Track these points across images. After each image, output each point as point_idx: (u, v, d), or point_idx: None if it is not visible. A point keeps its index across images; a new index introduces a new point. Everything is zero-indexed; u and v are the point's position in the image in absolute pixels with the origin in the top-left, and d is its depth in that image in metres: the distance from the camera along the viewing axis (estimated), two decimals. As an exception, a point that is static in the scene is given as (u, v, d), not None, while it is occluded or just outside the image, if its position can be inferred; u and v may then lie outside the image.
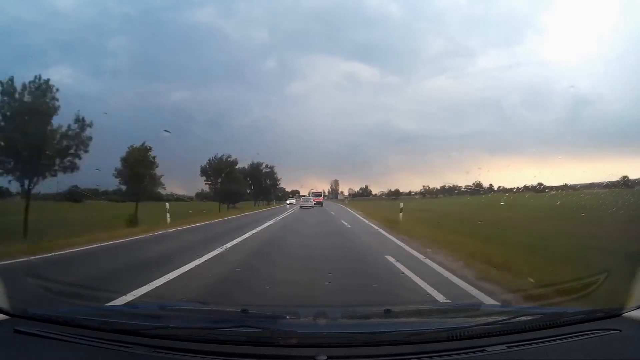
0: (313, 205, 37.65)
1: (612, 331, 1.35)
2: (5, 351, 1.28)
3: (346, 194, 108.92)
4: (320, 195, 45.94)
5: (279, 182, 58.19)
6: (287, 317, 1.91)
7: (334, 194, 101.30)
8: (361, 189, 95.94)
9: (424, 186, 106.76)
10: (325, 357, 1.16)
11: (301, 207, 35.79)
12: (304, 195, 49.68)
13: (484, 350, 1.23)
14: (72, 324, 1.43)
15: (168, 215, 14.20)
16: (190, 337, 1.32)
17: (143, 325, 1.44)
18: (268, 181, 55.54)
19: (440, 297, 3.85)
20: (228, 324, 1.53)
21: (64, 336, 1.33)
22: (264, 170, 53.20)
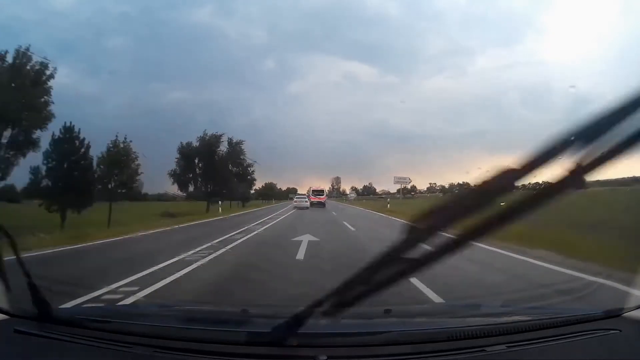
0: (309, 205, 32.68)
1: (612, 331, 1.35)
2: (5, 351, 1.28)
3: (348, 191, 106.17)
4: (322, 194, 38.91)
5: (252, 169, 37.45)
6: (287, 317, 1.90)
7: (335, 192, 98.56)
8: (364, 187, 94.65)
9: (430, 184, 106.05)
10: (325, 357, 1.16)
11: (295, 207, 31.44)
12: (300, 195, 39.20)
13: (484, 350, 1.23)
14: (72, 324, 1.43)
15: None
16: (190, 337, 1.32)
17: (143, 325, 1.45)
18: (233, 168, 35.07)
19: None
20: (228, 324, 1.53)
21: (64, 336, 1.33)
22: (223, 151, 33.20)
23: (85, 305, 3.01)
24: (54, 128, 17.67)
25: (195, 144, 33.45)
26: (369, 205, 40.60)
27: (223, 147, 34.42)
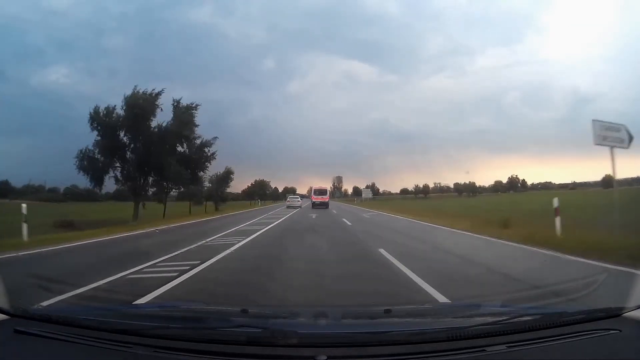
0: (300, 205, 32.25)
1: (612, 331, 1.35)
2: (5, 351, 1.28)
3: (349, 191, 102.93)
4: (325, 193, 34.57)
5: (211, 151, 23.14)
6: (287, 317, 1.91)
7: (337, 192, 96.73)
8: (367, 186, 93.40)
9: (435, 183, 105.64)
10: (325, 357, 1.16)
11: (288, 207, 32.09)
12: (294, 195, 42.60)
13: (484, 350, 1.23)
14: (72, 324, 1.43)
15: None
16: (190, 337, 1.32)
17: (143, 325, 1.45)
18: (183, 148, 21.73)
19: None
20: (228, 324, 1.53)
21: (64, 336, 1.33)
22: (156, 124, 19.97)
23: (85, 305, 3.01)
24: (50, 127, 16.67)
25: (121, 110, 19.48)
26: (410, 210, 23.24)
27: (165, 117, 20.79)
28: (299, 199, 38.90)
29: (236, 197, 63.96)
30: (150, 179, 22.12)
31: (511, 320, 1.45)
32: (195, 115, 21.87)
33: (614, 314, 1.48)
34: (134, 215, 19.99)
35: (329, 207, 31.40)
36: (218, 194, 36.49)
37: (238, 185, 68.68)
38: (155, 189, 23.29)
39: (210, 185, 33.91)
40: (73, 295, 3.89)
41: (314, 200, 33.75)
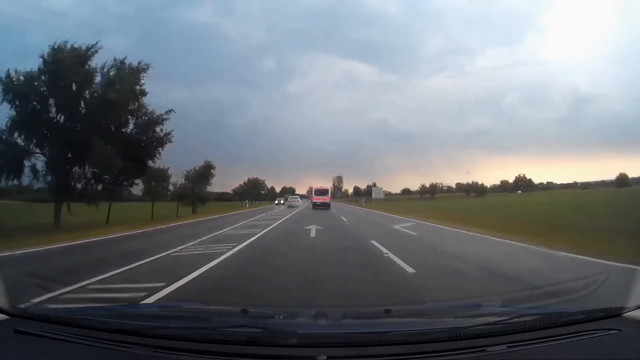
0: (298, 205, 34.30)
1: (612, 331, 1.35)
2: (5, 351, 1.28)
3: (351, 191, 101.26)
4: (327, 194, 33.30)
5: (165, 131, 17.42)
6: (287, 317, 1.91)
7: (338, 192, 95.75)
8: (368, 186, 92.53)
9: (436, 184, 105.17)
10: (325, 357, 1.16)
11: (288, 206, 34.98)
12: (293, 195, 47.51)
13: (484, 350, 1.23)
14: (72, 324, 1.43)
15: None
16: (190, 337, 1.32)
17: (143, 325, 1.45)
18: (127, 128, 16.69)
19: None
20: (228, 324, 1.53)
21: (64, 336, 1.33)
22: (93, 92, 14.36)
23: (85, 305, 3.02)
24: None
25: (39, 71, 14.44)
26: (445, 215, 18.05)
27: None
28: (299, 199, 42.84)
29: (231, 198, 62.37)
30: (77, 170, 16.07)
31: (511, 320, 1.45)
32: (142, 78, 15.19)
33: (614, 314, 1.47)
34: (55, 220, 14.81)
35: (335, 211, 27.18)
36: (195, 193, 28.93)
37: (235, 184, 67.45)
38: (82, 183, 16.35)
39: (186, 182, 28.11)
40: None
41: (314, 201, 32.69)
